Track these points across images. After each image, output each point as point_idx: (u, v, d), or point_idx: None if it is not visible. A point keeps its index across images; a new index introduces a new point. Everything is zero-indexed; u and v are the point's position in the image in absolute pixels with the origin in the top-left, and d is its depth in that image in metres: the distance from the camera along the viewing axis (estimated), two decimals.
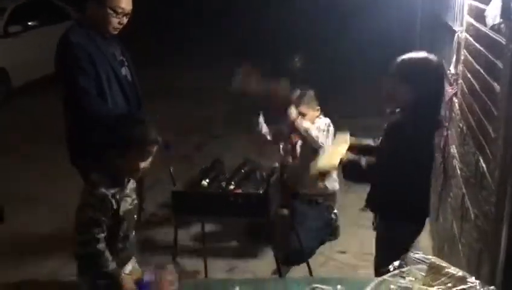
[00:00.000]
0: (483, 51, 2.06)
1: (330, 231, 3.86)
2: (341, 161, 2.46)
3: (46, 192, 4.74)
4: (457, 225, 2.53)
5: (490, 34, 1.90)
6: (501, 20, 1.69)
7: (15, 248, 3.90)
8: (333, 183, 3.80)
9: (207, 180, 2.96)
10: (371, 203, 2.61)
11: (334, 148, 2.61)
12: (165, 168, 3.02)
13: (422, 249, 2.51)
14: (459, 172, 2.57)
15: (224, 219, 3.30)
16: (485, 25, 1.97)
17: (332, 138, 3.56)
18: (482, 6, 2.06)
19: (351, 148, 2.51)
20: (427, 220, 2.68)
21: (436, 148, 3.27)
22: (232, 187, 2.92)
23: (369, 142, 2.58)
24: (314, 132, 3.54)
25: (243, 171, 3.07)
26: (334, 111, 4.67)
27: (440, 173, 3.18)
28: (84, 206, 2.08)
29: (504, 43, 1.68)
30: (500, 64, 1.74)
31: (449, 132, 3.02)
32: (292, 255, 3.34)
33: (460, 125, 2.61)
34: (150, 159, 2.14)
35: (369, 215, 3.74)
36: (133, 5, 2.94)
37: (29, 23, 8.31)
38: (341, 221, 4.09)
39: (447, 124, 3.01)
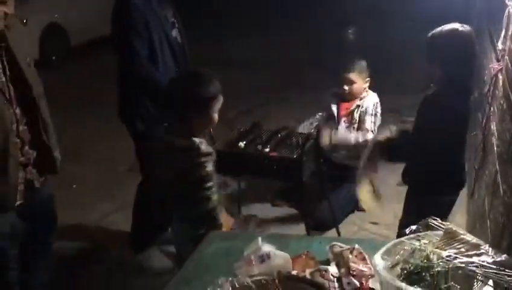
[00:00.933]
0: None
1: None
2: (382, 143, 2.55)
3: (94, 148, 5.01)
4: (488, 202, 2.52)
5: None
6: None
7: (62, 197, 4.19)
8: None
9: (244, 142, 3.07)
10: (406, 176, 2.65)
11: None
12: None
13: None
14: (495, 149, 2.54)
15: (258, 179, 3.41)
16: None
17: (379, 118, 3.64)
18: None
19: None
20: (463, 196, 2.70)
21: (477, 125, 3.23)
22: (267, 150, 3.01)
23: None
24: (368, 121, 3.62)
25: (279, 135, 3.15)
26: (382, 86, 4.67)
27: (480, 150, 3.14)
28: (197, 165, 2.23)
29: None
30: None
31: (491, 109, 2.96)
32: (322, 222, 3.42)
33: (502, 102, 2.57)
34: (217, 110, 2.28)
35: (404, 190, 3.75)
36: None
37: None
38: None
39: (489, 100, 2.96)
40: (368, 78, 3.76)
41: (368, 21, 8.24)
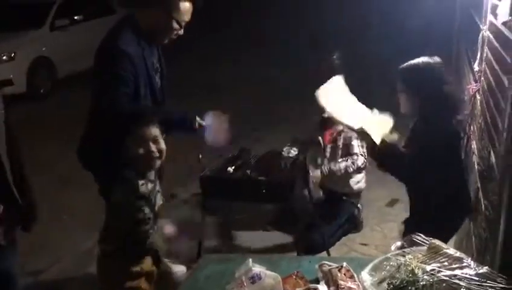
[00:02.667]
0: (498, 47, 2.13)
1: (353, 226, 3.94)
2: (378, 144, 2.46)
3: (83, 179, 5.03)
4: (472, 218, 2.59)
5: (503, 30, 1.97)
6: (510, 17, 1.76)
7: (53, 228, 4.19)
8: (360, 184, 3.84)
9: (232, 167, 3.13)
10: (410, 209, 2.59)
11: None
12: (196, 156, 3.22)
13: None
14: (476, 167, 2.63)
15: (248, 203, 3.45)
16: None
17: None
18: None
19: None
20: None
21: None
22: (256, 174, 3.07)
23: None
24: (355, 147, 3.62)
25: (267, 159, 3.22)
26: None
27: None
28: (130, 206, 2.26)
29: None
30: (509, 59, 1.81)
31: (472, 128, 3.07)
32: (312, 245, 3.45)
33: (480, 121, 2.67)
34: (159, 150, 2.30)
35: (394, 211, 3.82)
36: None
37: (76, 17, 8.72)
38: (366, 215, 4.18)
39: (469, 120, 3.06)
40: None
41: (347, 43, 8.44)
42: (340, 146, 3.64)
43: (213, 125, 2.78)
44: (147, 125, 2.28)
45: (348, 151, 3.61)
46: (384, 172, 2.60)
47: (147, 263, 2.42)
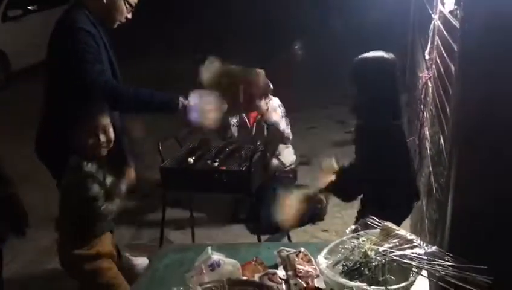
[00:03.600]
0: (447, 36, 2.21)
1: (316, 214, 4.01)
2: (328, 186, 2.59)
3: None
4: (425, 202, 2.69)
5: (450, 19, 2.05)
6: (455, 6, 1.83)
7: None
8: (289, 157, 4.00)
9: (193, 158, 3.13)
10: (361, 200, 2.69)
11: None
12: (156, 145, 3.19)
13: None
14: (428, 152, 2.72)
15: (209, 193, 3.47)
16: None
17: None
18: None
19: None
20: None
21: (414, 131, 3.43)
22: (216, 164, 3.08)
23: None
24: (282, 125, 3.72)
25: (227, 149, 3.23)
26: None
27: (416, 154, 3.33)
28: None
29: (458, 26, 1.82)
30: (455, 47, 1.88)
31: (424, 115, 3.17)
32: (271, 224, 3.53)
33: (431, 108, 2.76)
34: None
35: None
36: None
37: (29, 8, 8.45)
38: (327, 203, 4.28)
39: (422, 107, 3.16)
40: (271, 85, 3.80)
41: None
42: (264, 128, 3.78)
43: (199, 105, 2.70)
44: (97, 114, 2.28)
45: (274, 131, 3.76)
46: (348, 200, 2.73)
47: (104, 243, 2.44)
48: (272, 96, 3.85)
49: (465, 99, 1.62)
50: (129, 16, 2.86)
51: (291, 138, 3.88)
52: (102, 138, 2.30)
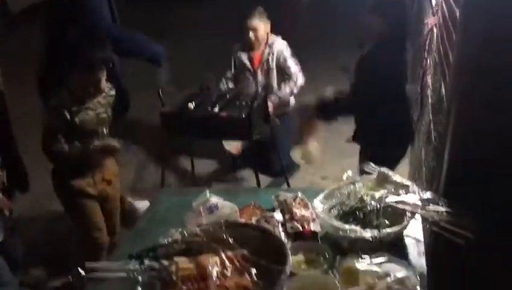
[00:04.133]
0: None
1: None
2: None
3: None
4: (424, 150, 2.70)
5: None
6: None
7: None
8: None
9: (193, 103, 3.12)
10: (358, 135, 2.76)
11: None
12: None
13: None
14: (430, 100, 2.71)
15: (209, 139, 3.49)
16: None
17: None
18: None
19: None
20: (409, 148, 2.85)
21: (417, 79, 3.40)
22: (216, 110, 3.08)
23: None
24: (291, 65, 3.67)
25: (228, 96, 3.22)
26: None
27: (418, 102, 3.31)
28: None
29: None
30: None
31: (428, 62, 3.12)
32: (273, 169, 3.59)
33: (435, 55, 2.72)
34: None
35: (352, 146, 3.91)
36: None
37: None
38: (326, 151, 4.29)
39: (425, 54, 3.12)
40: (269, 22, 3.72)
41: None
42: (272, 68, 3.66)
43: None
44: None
45: (286, 72, 3.67)
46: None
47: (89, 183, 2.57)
48: (274, 37, 3.73)
49: (467, 44, 1.59)
50: None
51: (301, 80, 3.72)
52: (91, 89, 2.40)
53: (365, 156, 2.70)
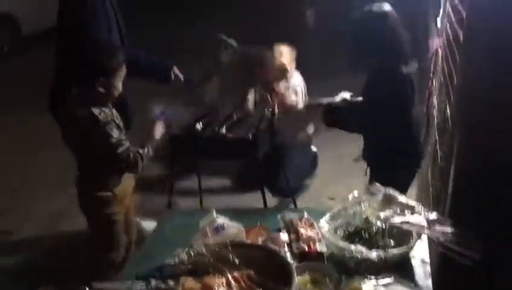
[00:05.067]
0: (456, 1, 2.17)
1: (314, 165, 4.14)
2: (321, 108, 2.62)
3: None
4: (430, 170, 2.70)
5: None
6: None
7: None
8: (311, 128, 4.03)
9: (201, 124, 3.15)
10: (366, 156, 2.74)
11: None
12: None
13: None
14: (435, 120, 2.72)
15: (216, 160, 3.51)
16: None
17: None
18: None
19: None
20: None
21: (423, 100, 3.41)
22: (223, 131, 3.10)
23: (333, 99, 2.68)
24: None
25: (235, 116, 3.25)
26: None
27: (424, 122, 3.32)
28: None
29: None
30: (463, 13, 1.86)
31: (433, 83, 3.14)
32: (280, 189, 3.59)
33: (440, 76, 2.74)
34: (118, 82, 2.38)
35: (360, 166, 3.91)
36: None
37: None
38: (333, 170, 4.31)
39: (431, 75, 3.14)
40: (293, 55, 3.78)
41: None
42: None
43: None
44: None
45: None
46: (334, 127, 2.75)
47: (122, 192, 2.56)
48: (293, 74, 3.81)
49: (470, 66, 1.61)
50: None
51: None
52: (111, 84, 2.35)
53: (374, 178, 2.68)
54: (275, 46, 3.69)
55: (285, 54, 3.70)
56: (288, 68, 3.71)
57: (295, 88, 3.75)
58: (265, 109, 3.33)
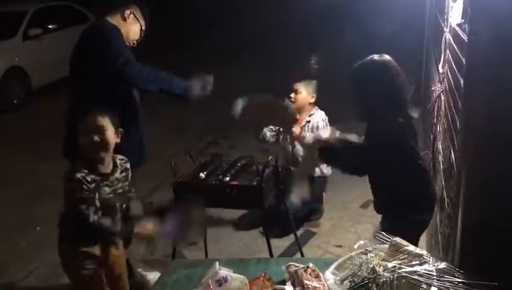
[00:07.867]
0: (456, 49, 2.19)
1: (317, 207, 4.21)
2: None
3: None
4: (438, 217, 2.65)
5: (459, 32, 2.04)
6: (462, 19, 1.82)
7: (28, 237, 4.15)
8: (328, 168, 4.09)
9: (205, 173, 3.14)
10: (378, 207, 2.64)
11: None
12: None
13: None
14: (441, 166, 2.69)
15: (220, 207, 3.48)
16: None
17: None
18: None
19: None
20: None
21: (428, 145, 3.40)
22: (227, 179, 3.08)
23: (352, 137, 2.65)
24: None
25: (239, 164, 3.24)
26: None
27: (430, 169, 3.29)
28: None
29: (466, 40, 1.81)
30: (463, 60, 1.87)
31: (437, 128, 3.14)
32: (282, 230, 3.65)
33: (444, 122, 2.74)
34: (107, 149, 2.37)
35: (368, 213, 3.87)
36: None
37: (49, 26, 8.62)
38: (340, 217, 4.26)
39: (435, 121, 3.13)
40: (314, 95, 3.99)
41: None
42: (306, 136, 3.87)
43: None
44: (93, 114, 2.33)
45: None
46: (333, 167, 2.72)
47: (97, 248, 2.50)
48: (316, 110, 4.01)
49: (472, 114, 1.61)
50: (138, 40, 3.19)
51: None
52: (96, 138, 2.30)
53: (386, 224, 2.52)
54: (293, 85, 3.92)
55: (302, 91, 3.92)
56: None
57: (317, 124, 3.91)
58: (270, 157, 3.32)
